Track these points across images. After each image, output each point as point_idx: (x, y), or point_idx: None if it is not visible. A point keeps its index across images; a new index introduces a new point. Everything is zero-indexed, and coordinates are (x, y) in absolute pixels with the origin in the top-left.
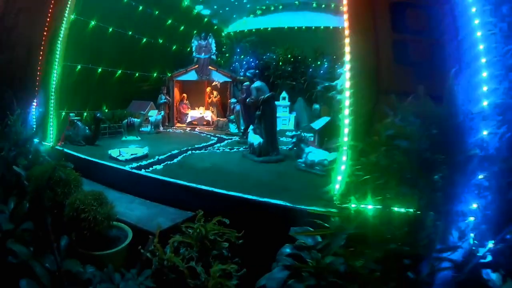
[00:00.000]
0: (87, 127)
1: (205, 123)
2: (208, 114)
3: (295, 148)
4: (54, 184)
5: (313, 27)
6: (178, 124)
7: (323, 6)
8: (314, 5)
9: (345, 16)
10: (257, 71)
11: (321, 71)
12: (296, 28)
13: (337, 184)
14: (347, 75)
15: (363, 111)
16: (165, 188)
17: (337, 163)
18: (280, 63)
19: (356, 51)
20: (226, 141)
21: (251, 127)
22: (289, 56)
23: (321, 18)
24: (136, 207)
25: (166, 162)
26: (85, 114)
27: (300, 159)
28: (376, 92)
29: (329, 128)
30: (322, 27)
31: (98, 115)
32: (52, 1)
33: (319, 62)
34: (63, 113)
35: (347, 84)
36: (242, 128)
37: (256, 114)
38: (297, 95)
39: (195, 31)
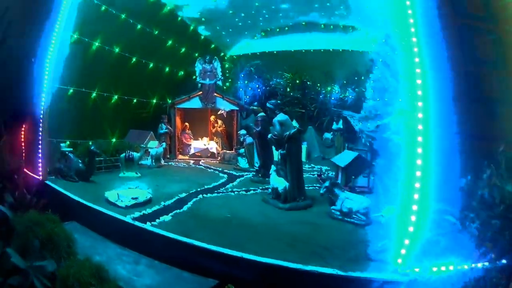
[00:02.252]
0: (80, 161)
1: (209, 155)
2: (213, 145)
3: (328, 195)
4: (41, 246)
5: (322, 50)
6: (180, 156)
7: (332, 27)
8: (322, 26)
9: (414, 42)
10: (279, 101)
11: (333, 98)
12: (303, 50)
13: (403, 249)
14: (420, 115)
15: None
16: (179, 249)
17: (402, 222)
18: (288, 89)
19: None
20: (238, 180)
21: (273, 167)
22: (297, 81)
23: (330, 40)
24: (144, 271)
25: (175, 211)
26: (78, 143)
27: (334, 207)
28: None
29: (356, 165)
30: (331, 49)
31: (92, 148)
32: (43, 14)
33: (329, 88)
34: (54, 142)
35: (420, 127)
36: (257, 164)
37: (280, 153)
38: (307, 123)
39: (196, 54)
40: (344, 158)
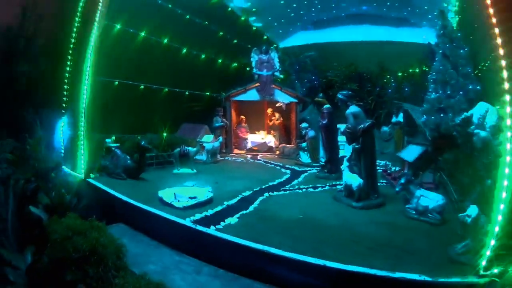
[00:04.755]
0: (128, 157)
1: (267, 149)
2: (271, 139)
3: (403, 192)
4: (83, 260)
5: (376, 41)
6: (236, 151)
7: (384, 18)
8: (375, 17)
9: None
10: (350, 92)
11: (389, 90)
12: (357, 42)
13: (488, 250)
14: (508, 109)
15: None
16: (249, 256)
17: (488, 222)
18: (344, 81)
19: None
20: (302, 175)
21: (345, 163)
22: (353, 73)
23: (383, 31)
24: (207, 283)
25: (240, 212)
26: (125, 138)
27: (409, 205)
28: None
29: (423, 160)
30: (385, 41)
31: (143, 143)
32: (80, 5)
33: (385, 80)
34: (97, 137)
35: (509, 122)
36: (323, 159)
37: (354, 148)
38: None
39: (248, 45)
40: (411, 152)
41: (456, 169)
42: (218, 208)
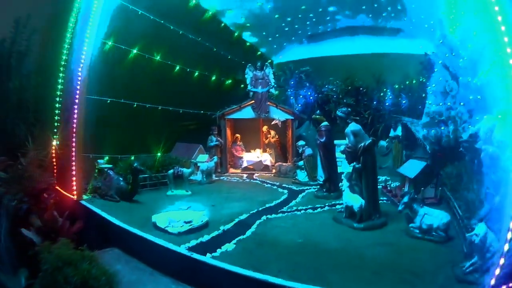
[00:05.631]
0: (121, 178)
1: (263, 168)
2: (267, 158)
3: (406, 210)
4: None
5: (371, 54)
6: (232, 170)
7: (379, 29)
8: (370, 29)
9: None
10: (349, 109)
11: (387, 103)
12: (353, 55)
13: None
14: None
15: None
16: (248, 285)
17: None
18: (341, 96)
19: None
20: (300, 195)
21: (345, 183)
22: (349, 87)
23: (379, 43)
24: None
25: (238, 238)
26: (118, 159)
27: (413, 224)
28: None
29: (425, 175)
30: (380, 53)
31: (136, 165)
32: (72, 20)
33: (382, 93)
34: (90, 158)
35: None
36: (321, 178)
37: (355, 167)
38: None
39: (243, 62)
40: (412, 168)
41: (460, 184)
42: (214, 233)
